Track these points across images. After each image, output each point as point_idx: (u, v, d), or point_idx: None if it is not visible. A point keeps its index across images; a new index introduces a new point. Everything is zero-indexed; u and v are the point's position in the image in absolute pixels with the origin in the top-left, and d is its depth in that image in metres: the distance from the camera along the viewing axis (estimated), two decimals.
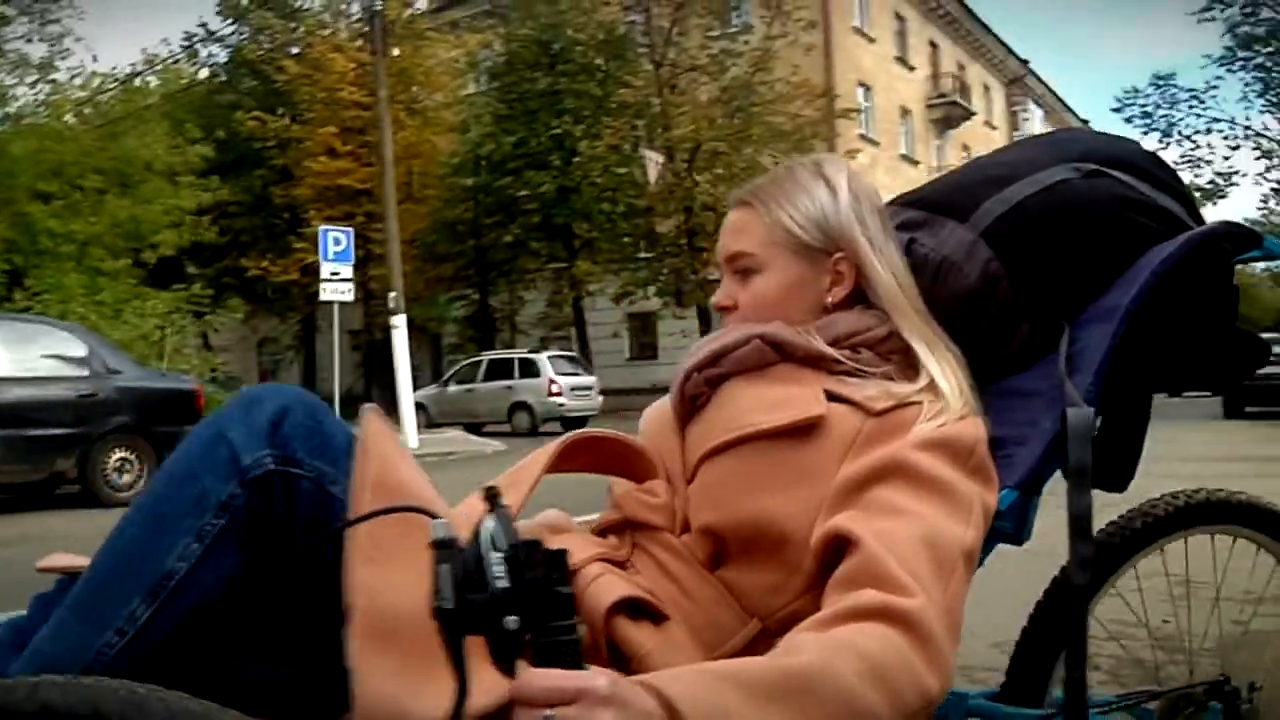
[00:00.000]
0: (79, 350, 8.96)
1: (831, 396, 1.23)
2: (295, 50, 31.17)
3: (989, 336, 1.39)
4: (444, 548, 0.79)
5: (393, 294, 15.47)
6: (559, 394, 20.71)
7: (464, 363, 23.95)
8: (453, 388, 22.16)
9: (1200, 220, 1.47)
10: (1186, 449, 9.47)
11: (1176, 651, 1.89)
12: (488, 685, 0.83)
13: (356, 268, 16.94)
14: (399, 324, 15.40)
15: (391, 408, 34.38)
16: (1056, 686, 1.58)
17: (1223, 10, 26.17)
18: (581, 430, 1.42)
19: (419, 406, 18.94)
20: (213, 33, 33.28)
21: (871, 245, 1.33)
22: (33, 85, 21.33)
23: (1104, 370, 1.32)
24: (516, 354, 22.77)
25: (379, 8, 15.91)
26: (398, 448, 1.15)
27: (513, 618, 0.78)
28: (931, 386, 1.24)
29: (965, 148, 41.16)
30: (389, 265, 16.09)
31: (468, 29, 32.08)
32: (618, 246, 28.35)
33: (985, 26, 42.14)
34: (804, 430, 1.20)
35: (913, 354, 1.28)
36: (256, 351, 36.91)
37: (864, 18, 33.90)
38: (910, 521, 1.09)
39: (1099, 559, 1.53)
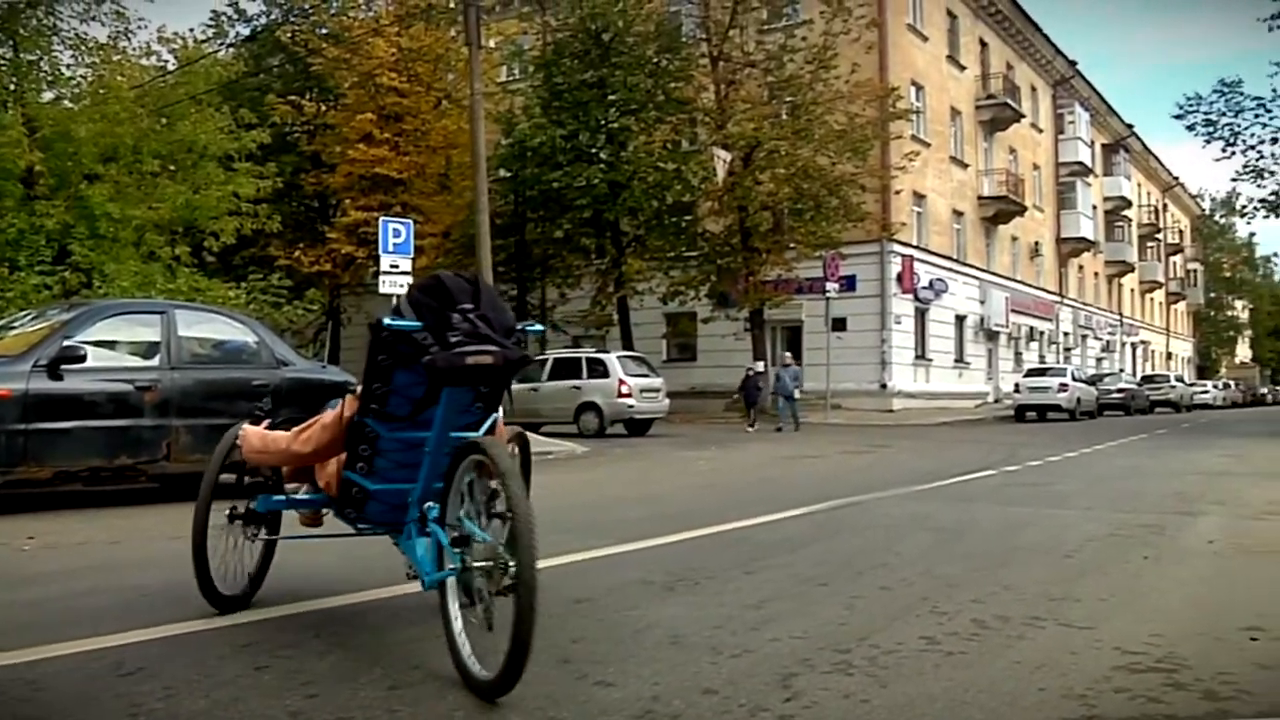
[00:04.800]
0: (251, 340, 9.39)
1: None
2: (325, 30, 31.61)
3: None
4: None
5: None
6: (628, 395, 20.98)
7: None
8: (515, 386, 22.06)
9: (436, 316, 3.33)
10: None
11: None
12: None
13: None
14: None
15: None
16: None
17: None
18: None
19: None
20: (242, 12, 33.98)
21: None
22: (90, 66, 21.83)
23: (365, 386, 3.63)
24: (584, 353, 23.12)
25: None
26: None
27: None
28: None
29: (1012, 150, 41.92)
30: (478, 261, 16.67)
31: (505, 16, 32.71)
32: (667, 244, 28.82)
33: (1034, 24, 42.99)
34: None
35: None
36: None
37: (918, 15, 34.70)
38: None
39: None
